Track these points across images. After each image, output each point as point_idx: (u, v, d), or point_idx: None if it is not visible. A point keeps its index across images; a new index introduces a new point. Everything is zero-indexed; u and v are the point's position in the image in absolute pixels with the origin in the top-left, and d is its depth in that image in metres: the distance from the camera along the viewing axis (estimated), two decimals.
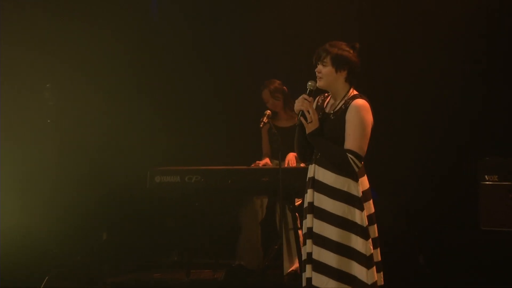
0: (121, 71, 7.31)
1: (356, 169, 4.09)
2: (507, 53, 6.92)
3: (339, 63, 4.14)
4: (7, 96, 6.80)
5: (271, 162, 6.60)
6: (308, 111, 4.11)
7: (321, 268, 4.12)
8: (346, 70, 4.15)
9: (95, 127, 7.28)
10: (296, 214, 6.04)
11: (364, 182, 4.19)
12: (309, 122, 4.10)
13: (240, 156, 7.06)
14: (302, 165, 5.65)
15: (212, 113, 7.65)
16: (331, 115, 4.16)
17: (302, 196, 4.52)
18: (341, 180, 4.12)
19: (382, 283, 4.25)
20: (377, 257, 4.21)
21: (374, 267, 4.12)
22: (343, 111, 4.12)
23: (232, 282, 6.43)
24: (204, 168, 6.21)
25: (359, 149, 4.06)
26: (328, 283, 4.11)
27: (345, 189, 4.12)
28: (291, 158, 6.27)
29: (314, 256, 4.16)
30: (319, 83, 4.17)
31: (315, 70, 4.17)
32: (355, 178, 4.13)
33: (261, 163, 6.51)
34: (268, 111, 6.04)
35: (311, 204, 4.18)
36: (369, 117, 4.12)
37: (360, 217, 4.11)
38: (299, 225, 5.91)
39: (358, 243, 4.09)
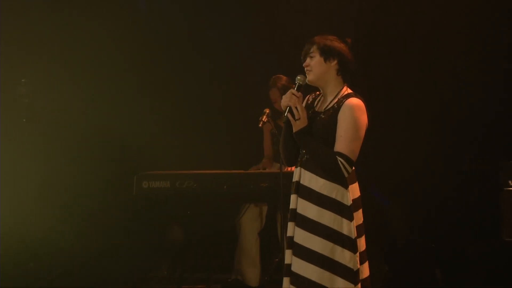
0: (111, 69, 7.28)
1: (346, 174, 3.93)
2: None
3: (327, 51, 4.04)
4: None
5: (272, 165, 6.49)
6: (296, 108, 3.99)
7: (300, 282, 3.99)
8: (336, 59, 4.03)
9: (77, 128, 7.26)
10: None
11: (355, 190, 4.03)
12: (297, 120, 3.98)
13: (238, 159, 7.05)
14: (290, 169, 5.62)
15: (207, 112, 7.58)
16: (322, 114, 4.04)
17: None
18: (329, 186, 3.97)
19: None
20: (365, 272, 4.09)
21: (360, 284, 3.99)
22: (335, 110, 3.99)
23: None
24: (197, 172, 6.17)
25: (350, 152, 3.92)
26: None
27: (333, 196, 3.96)
28: None
29: (294, 269, 4.02)
30: (309, 77, 4.06)
31: (303, 64, 4.07)
32: (345, 184, 3.97)
33: (261, 166, 6.43)
34: (267, 109, 5.96)
35: (293, 211, 4.03)
36: (363, 118, 3.98)
37: (348, 228, 3.96)
38: None
39: (344, 256, 3.96)
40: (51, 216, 6.87)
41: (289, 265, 4.05)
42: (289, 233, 4.06)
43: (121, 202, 7.06)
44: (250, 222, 6.59)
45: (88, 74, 7.26)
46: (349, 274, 3.95)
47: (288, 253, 4.06)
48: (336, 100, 4.04)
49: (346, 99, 4.00)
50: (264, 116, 5.90)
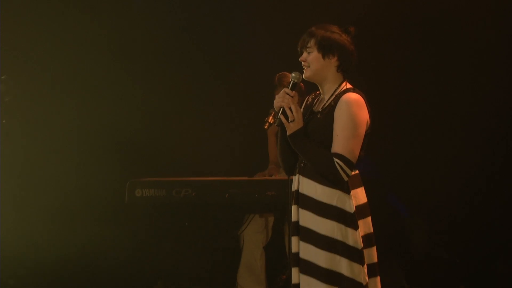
0: (103, 69, 7.30)
1: (345, 178, 3.87)
2: None
3: (326, 46, 3.97)
4: None
5: (279, 172, 6.42)
6: (290, 108, 3.96)
7: None
8: (336, 56, 3.97)
9: (65, 130, 7.25)
10: None
11: (359, 195, 3.97)
12: (291, 121, 3.95)
13: (242, 164, 7.08)
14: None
15: (207, 112, 7.55)
16: (319, 114, 4.00)
17: None
18: (328, 192, 3.92)
19: None
20: (376, 287, 4.04)
21: None
22: (331, 107, 3.95)
23: None
24: (195, 180, 6.14)
25: (348, 153, 3.86)
26: None
27: (334, 203, 3.91)
28: None
29: (302, 287, 3.99)
30: (306, 74, 4.02)
31: (300, 59, 4.03)
32: (346, 189, 3.92)
33: (267, 173, 6.44)
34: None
35: (296, 224, 4.01)
36: (362, 114, 3.93)
37: (353, 237, 3.91)
38: None
39: (352, 269, 3.91)
40: (34, 223, 6.97)
41: (297, 285, 4.01)
42: (293, 249, 4.03)
43: (111, 212, 7.03)
44: (255, 234, 6.52)
45: (79, 75, 7.32)
46: None
47: (294, 272, 4.02)
48: (333, 97, 4.00)
49: (343, 95, 3.95)
50: (270, 117, 5.50)
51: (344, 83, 4.02)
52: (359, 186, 3.99)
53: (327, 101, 4.02)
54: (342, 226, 3.89)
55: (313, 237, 3.93)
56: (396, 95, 6.78)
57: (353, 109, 3.90)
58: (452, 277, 6.52)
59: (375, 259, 4.02)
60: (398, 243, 6.49)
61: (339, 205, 3.91)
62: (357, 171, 3.96)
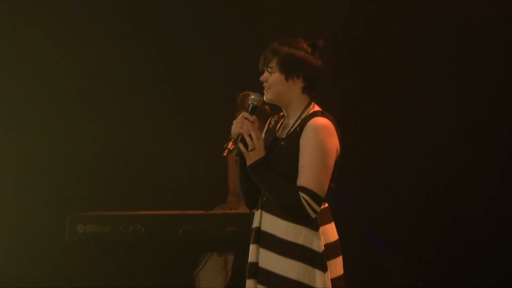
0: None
1: (313, 215, 3.73)
2: None
3: (289, 67, 3.82)
4: None
5: (240, 205, 6.27)
6: (250, 135, 3.82)
7: None
8: (301, 77, 3.82)
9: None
10: None
11: (329, 232, 3.85)
12: (251, 150, 3.81)
13: (198, 197, 6.90)
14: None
15: (159, 138, 7.27)
16: (282, 141, 3.86)
17: None
18: (293, 229, 3.79)
19: None
20: None
21: None
22: (297, 134, 3.81)
23: None
24: (145, 214, 6.02)
25: (316, 186, 3.73)
26: None
27: (300, 241, 3.78)
28: None
29: None
30: (266, 96, 3.86)
31: (260, 78, 3.89)
32: (314, 226, 3.78)
33: (227, 206, 6.33)
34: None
35: (254, 265, 3.88)
36: (331, 142, 3.79)
37: (322, 280, 3.78)
38: None
39: None
40: None
41: None
42: None
43: (49, 252, 6.85)
44: (212, 276, 6.37)
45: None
46: None
47: None
48: (299, 121, 3.86)
49: (310, 119, 3.81)
50: (230, 143, 5.31)
51: (311, 105, 3.88)
52: (328, 222, 3.85)
53: (292, 126, 3.88)
54: (309, 268, 3.76)
55: (275, 280, 3.81)
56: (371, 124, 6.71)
57: (321, 137, 3.77)
58: None
59: None
60: (373, 284, 6.41)
61: (306, 243, 3.77)
62: (326, 205, 3.83)
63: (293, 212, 3.76)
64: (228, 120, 5.72)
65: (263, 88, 3.88)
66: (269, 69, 3.86)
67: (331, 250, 3.81)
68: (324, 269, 3.75)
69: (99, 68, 7.39)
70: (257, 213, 3.89)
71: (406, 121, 6.93)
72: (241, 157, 3.87)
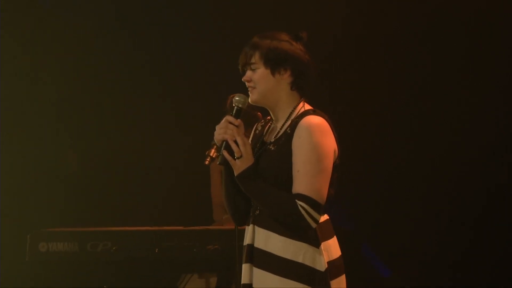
0: None
1: (313, 224, 3.60)
2: None
3: (275, 59, 3.71)
4: None
5: (222, 220, 6.22)
6: (236, 142, 3.70)
7: None
8: (289, 69, 3.71)
9: None
10: None
11: (332, 248, 3.73)
12: (238, 158, 3.69)
13: (176, 210, 6.86)
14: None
15: (132, 144, 7.17)
16: (271, 145, 3.75)
17: None
18: (292, 245, 3.67)
19: None
20: None
21: None
22: (288, 136, 3.69)
23: None
24: (116, 230, 5.88)
25: (314, 192, 3.61)
26: None
27: (300, 260, 3.66)
28: None
29: None
30: (252, 97, 3.76)
31: (243, 79, 3.80)
32: (315, 241, 3.66)
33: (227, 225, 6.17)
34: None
35: (247, 287, 3.79)
36: (327, 142, 3.68)
37: None
38: None
39: None
40: None
41: None
42: None
43: (8, 272, 6.75)
44: None
45: None
46: None
47: None
48: (289, 122, 3.74)
49: (301, 119, 3.71)
50: (213, 150, 5.05)
51: (301, 104, 3.76)
52: (331, 237, 3.70)
53: (281, 128, 3.75)
54: None
55: None
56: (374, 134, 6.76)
57: (315, 137, 3.64)
58: None
59: None
60: None
61: (307, 262, 3.64)
62: (326, 217, 3.70)
63: (290, 223, 3.63)
64: (211, 125, 5.78)
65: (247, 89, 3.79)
66: (251, 66, 3.74)
67: (334, 268, 3.69)
68: None
69: (78, 83, 7.34)
70: (249, 229, 3.74)
71: (410, 125, 6.94)
72: (226, 166, 3.74)
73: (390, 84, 7.00)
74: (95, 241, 5.70)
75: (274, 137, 3.78)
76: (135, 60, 7.45)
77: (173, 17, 7.60)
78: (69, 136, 7.42)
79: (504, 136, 6.90)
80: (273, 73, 3.72)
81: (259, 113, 5.88)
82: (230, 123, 3.71)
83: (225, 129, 3.71)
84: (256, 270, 3.72)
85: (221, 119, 5.79)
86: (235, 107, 3.75)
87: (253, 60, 3.74)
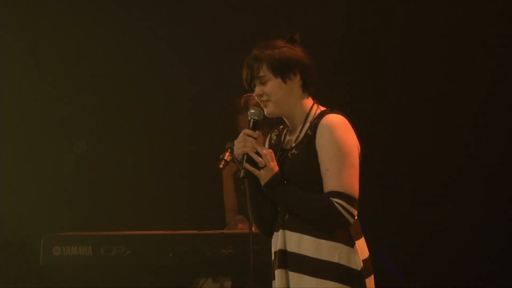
0: None
1: (351, 220, 3.61)
2: None
3: (283, 67, 3.73)
4: None
5: (236, 220, 6.23)
6: (257, 152, 3.71)
7: None
8: (298, 73, 3.73)
9: None
10: None
11: (363, 248, 3.74)
12: (262, 168, 3.69)
13: (190, 215, 6.92)
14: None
15: (145, 150, 7.28)
16: (293, 149, 3.76)
17: None
18: (327, 246, 3.66)
19: None
20: None
21: None
22: (310, 138, 3.71)
23: None
24: (130, 234, 5.89)
25: (347, 187, 3.63)
26: None
27: (336, 259, 3.65)
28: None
29: None
30: (268, 110, 3.76)
31: (254, 94, 3.80)
32: (349, 241, 3.67)
33: (238, 226, 6.20)
34: (232, 143, 5.19)
35: None
36: (351, 138, 3.71)
37: None
38: None
39: None
40: None
41: None
42: None
43: (22, 276, 6.74)
44: None
45: None
46: None
47: None
48: (307, 124, 3.75)
49: (321, 119, 3.73)
50: (227, 154, 5.38)
51: (315, 106, 3.79)
52: (360, 237, 3.72)
53: (300, 132, 3.76)
54: None
55: None
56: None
57: (339, 134, 3.66)
58: None
59: None
60: None
61: (343, 261, 3.65)
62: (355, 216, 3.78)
63: (329, 221, 3.63)
64: (223, 130, 5.82)
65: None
66: (261, 79, 3.75)
67: (367, 268, 3.71)
68: None
69: (78, 85, 7.31)
70: (279, 234, 3.75)
71: (412, 125, 6.92)
72: (250, 178, 3.76)
73: (390, 84, 6.95)
74: (109, 245, 5.72)
75: (295, 141, 3.80)
76: (140, 60, 7.42)
77: (176, 17, 7.50)
78: (83, 138, 7.37)
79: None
80: (284, 81, 3.75)
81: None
82: (249, 135, 3.73)
83: (244, 143, 3.73)
84: (292, 274, 3.72)
85: (234, 121, 6.08)
86: (251, 120, 3.77)
87: (261, 73, 3.76)
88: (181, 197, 7.20)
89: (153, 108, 7.45)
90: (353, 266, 3.66)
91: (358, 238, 3.72)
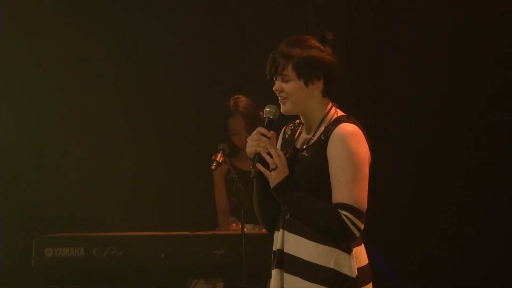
0: None
1: (357, 233, 3.64)
2: None
3: (308, 70, 3.72)
4: None
5: (229, 221, 6.20)
6: (270, 153, 3.71)
7: None
8: (322, 79, 3.72)
9: None
10: None
11: (361, 255, 3.75)
12: (273, 170, 3.71)
13: (182, 216, 6.85)
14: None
15: (137, 149, 7.24)
16: (304, 151, 3.77)
17: None
18: (324, 251, 3.69)
19: None
20: None
21: None
22: (322, 143, 3.71)
23: None
24: (122, 235, 5.87)
25: (356, 201, 3.63)
26: None
27: (331, 265, 3.68)
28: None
29: None
30: (284, 108, 3.77)
31: (274, 88, 3.78)
32: (346, 247, 3.68)
33: (232, 227, 6.14)
34: (224, 144, 5.67)
35: None
36: (363, 150, 3.72)
37: None
38: None
39: None
40: None
41: None
42: None
43: (14, 278, 6.70)
44: None
45: None
46: None
47: None
48: (322, 129, 3.75)
49: (335, 126, 3.70)
50: (219, 155, 5.49)
51: (333, 109, 3.79)
52: (359, 244, 3.73)
53: (314, 134, 3.78)
54: None
55: None
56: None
57: (352, 145, 3.68)
58: None
59: None
60: None
61: (337, 267, 3.67)
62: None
63: (335, 233, 3.64)
64: (212, 133, 5.80)
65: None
66: (284, 77, 3.74)
67: (363, 275, 3.71)
68: None
69: (77, 87, 7.29)
70: (279, 234, 3.77)
71: (412, 126, 6.90)
72: (259, 178, 3.77)
73: (390, 84, 6.95)
74: (101, 246, 5.71)
75: (307, 143, 3.80)
76: (139, 61, 7.40)
77: (177, 17, 7.48)
78: (76, 138, 7.31)
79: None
80: (306, 84, 3.74)
81: (261, 112, 5.78)
82: (263, 135, 3.74)
83: (258, 142, 3.74)
84: (286, 276, 3.75)
85: (225, 123, 6.11)
86: (267, 118, 3.77)
87: (285, 72, 3.74)
88: (173, 198, 7.15)
89: (145, 111, 7.37)
90: (348, 273, 3.68)
91: (357, 245, 3.73)
